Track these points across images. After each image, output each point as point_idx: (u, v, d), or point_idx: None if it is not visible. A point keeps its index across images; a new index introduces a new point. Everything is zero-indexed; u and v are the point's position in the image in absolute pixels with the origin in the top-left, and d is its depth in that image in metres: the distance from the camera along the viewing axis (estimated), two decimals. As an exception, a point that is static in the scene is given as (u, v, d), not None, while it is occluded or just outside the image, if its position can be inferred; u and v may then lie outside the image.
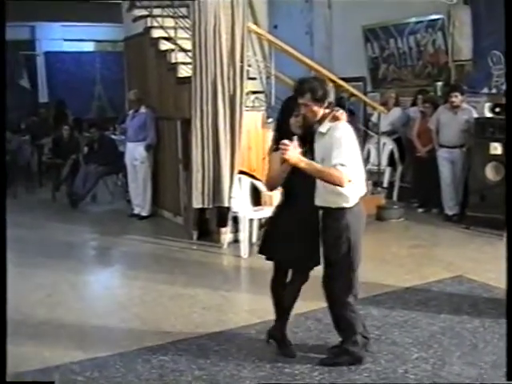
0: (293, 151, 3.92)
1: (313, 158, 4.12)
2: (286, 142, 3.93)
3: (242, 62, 7.24)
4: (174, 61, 8.64)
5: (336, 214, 4.18)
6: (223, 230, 7.54)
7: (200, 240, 7.77)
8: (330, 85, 4.29)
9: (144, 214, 9.28)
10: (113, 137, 11.49)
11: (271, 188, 4.50)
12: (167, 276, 6.52)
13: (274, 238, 4.57)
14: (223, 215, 7.40)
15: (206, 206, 7.36)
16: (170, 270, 6.73)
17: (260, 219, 7.44)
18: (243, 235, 7.14)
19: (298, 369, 4.35)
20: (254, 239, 7.36)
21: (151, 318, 5.43)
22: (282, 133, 4.29)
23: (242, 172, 7.37)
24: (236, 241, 7.44)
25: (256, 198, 7.46)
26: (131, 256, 7.50)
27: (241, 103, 7.16)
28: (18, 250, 7.57)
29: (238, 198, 7.28)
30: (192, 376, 4.29)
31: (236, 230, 7.46)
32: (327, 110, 4.14)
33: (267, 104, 8.33)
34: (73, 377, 4.33)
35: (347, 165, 3.93)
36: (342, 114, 4.16)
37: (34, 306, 5.79)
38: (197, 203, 7.30)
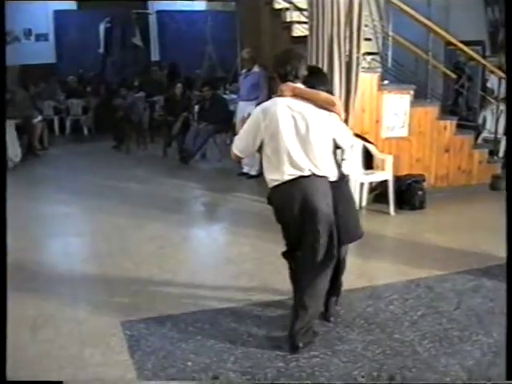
0: (239, 123, 4.35)
1: None
2: (242, 116, 4.51)
3: (359, 21, 7.06)
4: (288, 20, 8.53)
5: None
6: (332, 192, 7.45)
7: (309, 201, 7.73)
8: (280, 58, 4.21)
9: (253, 173, 9.34)
10: (224, 96, 11.56)
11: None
12: (275, 235, 6.43)
13: None
14: (334, 177, 7.31)
15: (317, 167, 7.30)
16: (277, 230, 6.64)
17: (371, 183, 7.35)
18: (353, 198, 7.04)
19: (408, 336, 4.30)
20: (364, 203, 7.29)
21: (260, 275, 5.49)
22: None
23: (354, 134, 7.24)
24: (345, 203, 7.35)
25: (368, 162, 7.35)
26: (240, 213, 7.58)
27: (357, 64, 7.00)
28: (132, 202, 7.83)
29: (349, 161, 7.17)
30: (301, 334, 4.31)
31: (345, 193, 7.35)
32: (282, 84, 4.11)
33: (382, 66, 8.15)
34: (184, 327, 4.46)
35: (235, 140, 4.23)
36: (285, 88, 4.07)
37: (147, 257, 5.96)
38: (307, 164, 7.25)
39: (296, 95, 4.06)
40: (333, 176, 4.20)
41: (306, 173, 4.04)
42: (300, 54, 4.22)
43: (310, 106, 4.06)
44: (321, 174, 4.09)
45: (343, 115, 4.27)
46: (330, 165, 4.19)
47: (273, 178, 4.11)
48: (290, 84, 4.07)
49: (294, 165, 4.04)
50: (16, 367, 3.92)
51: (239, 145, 4.20)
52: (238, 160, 4.43)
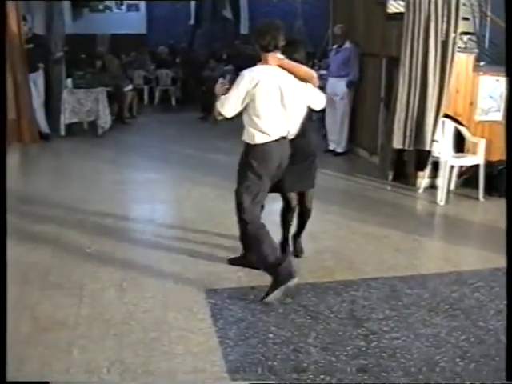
0: (218, 86, 4.59)
1: None
2: (220, 79, 4.77)
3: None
4: (383, -4, 8.38)
5: (245, 148, 4.65)
6: (420, 173, 7.33)
7: (395, 181, 7.66)
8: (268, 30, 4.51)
9: (339, 150, 9.27)
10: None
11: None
12: (360, 214, 6.49)
13: None
14: (423, 158, 7.17)
15: (406, 148, 7.21)
16: (363, 208, 6.70)
17: (461, 166, 7.17)
18: (442, 181, 6.90)
19: (493, 324, 4.18)
20: (452, 187, 7.13)
21: (343, 253, 5.45)
22: None
23: (446, 116, 7.09)
24: (432, 186, 7.24)
25: (459, 145, 7.17)
26: (325, 190, 7.42)
27: (453, 44, 6.83)
28: (218, 173, 7.88)
29: (440, 143, 7.03)
30: (383, 315, 4.28)
31: (434, 176, 7.22)
32: (263, 53, 4.49)
33: (479, 47, 7.90)
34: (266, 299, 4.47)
35: (222, 100, 4.48)
36: (271, 58, 4.48)
37: (230, 228, 5.98)
38: (397, 144, 7.17)
39: (279, 65, 4.51)
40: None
41: (285, 134, 4.62)
42: (279, 26, 4.57)
43: (291, 77, 4.53)
44: (292, 135, 4.71)
45: (318, 82, 4.77)
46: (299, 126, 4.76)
47: (258, 135, 4.52)
48: (275, 54, 4.49)
49: (276, 128, 4.54)
50: (102, 327, 4.06)
51: (226, 105, 4.48)
52: (216, 119, 4.78)
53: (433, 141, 7.00)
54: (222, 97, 4.50)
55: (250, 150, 4.58)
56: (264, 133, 4.51)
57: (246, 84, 4.42)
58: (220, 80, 4.78)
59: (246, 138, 4.62)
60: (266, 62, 4.49)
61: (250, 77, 4.43)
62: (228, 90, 4.55)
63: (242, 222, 4.72)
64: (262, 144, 4.53)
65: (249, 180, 4.61)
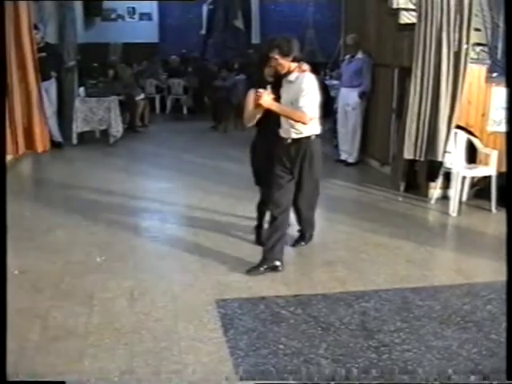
0: (266, 97, 4.85)
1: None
2: (260, 90, 4.90)
3: (469, 10, 6.84)
4: (395, 6, 8.38)
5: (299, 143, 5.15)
6: (432, 184, 7.30)
7: (406, 192, 7.62)
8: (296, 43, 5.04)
9: (351, 160, 9.26)
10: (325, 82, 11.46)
11: (247, 123, 5.33)
12: (372, 224, 6.47)
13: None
14: (434, 169, 7.14)
15: (417, 158, 7.18)
16: (374, 219, 6.67)
17: (473, 177, 7.14)
18: (454, 192, 6.87)
19: (505, 337, 4.14)
20: (465, 198, 7.10)
21: (354, 263, 5.43)
22: (259, 80, 5.28)
23: (458, 127, 7.06)
24: (444, 197, 7.21)
25: (471, 156, 7.13)
26: (336, 200, 7.50)
27: (466, 54, 6.79)
28: (228, 182, 7.92)
29: (452, 154, 7.00)
30: (394, 327, 4.24)
31: (446, 186, 7.20)
32: (293, 64, 4.96)
33: (491, 58, 7.88)
34: (277, 309, 4.46)
35: (308, 107, 4.89)
36: (306, 66, 5.07)
37: (241, 238, 5.99)
38: (408, 154, 7.15)
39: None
40: None
41: None
42: None
43: None
44: None
45: None
46: None
47: (317, 130, 5.17)
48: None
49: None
50: (113, 336, 4.05)
51: (314, 109, 4.99)
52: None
53: (445, 152, 6.98)
54: (306, 103, 4.86)
55: (314, 139, 5.16)
56: (318, 128, 5.19)
57: (317, 91, 4.99)
58: (262, 90, 4.91)
59: (305, 132, 5.08)
60: (308, 70, 5.04)
61: (316, 82, 5.02)
62: (275, 99, 4.92)
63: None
64: (315, 137, 5.16)
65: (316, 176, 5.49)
